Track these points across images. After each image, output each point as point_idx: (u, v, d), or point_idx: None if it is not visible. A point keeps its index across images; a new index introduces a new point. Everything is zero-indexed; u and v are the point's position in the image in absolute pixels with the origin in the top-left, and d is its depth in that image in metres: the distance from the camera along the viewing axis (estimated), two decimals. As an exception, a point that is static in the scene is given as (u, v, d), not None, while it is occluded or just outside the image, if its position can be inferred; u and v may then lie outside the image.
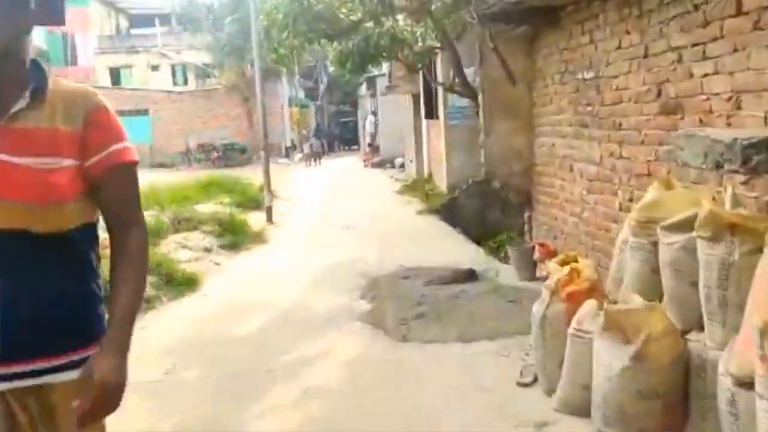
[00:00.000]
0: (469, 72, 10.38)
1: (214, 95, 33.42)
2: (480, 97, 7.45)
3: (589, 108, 5.52)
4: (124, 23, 51.05)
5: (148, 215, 11.73)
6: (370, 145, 27.81)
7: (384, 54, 11.34)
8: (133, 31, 48.74)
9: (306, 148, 29.82)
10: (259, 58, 13.26)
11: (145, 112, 33.49)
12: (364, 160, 27.69)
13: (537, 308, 3.92)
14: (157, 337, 5.67)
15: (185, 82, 41.84)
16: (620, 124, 4.94)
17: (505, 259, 8.64)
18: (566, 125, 6.18)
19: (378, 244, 9.90)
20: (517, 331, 5.09)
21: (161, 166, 31.61)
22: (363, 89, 32.50)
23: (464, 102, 13.86)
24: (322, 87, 41.72)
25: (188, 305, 6.88)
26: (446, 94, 13.71)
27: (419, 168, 19.36)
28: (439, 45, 11.26)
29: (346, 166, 29.24)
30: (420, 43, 11.68)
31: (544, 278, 6.95)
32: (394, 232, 11.00)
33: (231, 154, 30.82)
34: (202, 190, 15.48)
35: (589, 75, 5.49)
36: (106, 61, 44.16)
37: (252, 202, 14.34)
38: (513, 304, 5.94)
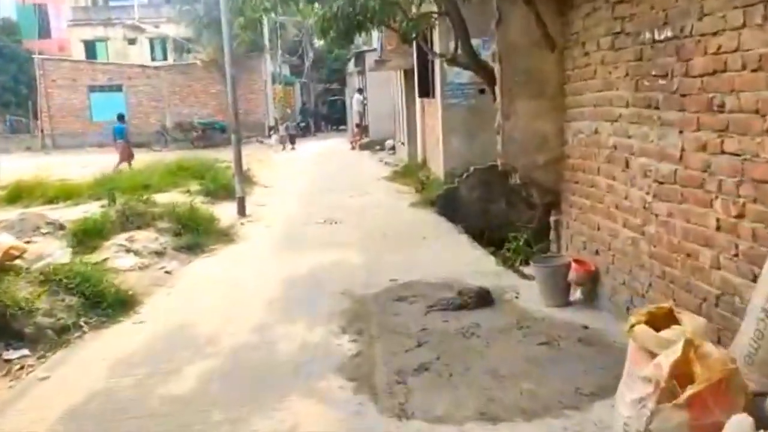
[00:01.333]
0: (474, 43, 8.75)
1: (193, 70, 31.45)
2: (497, 68, 5.82)
3: (663, 81, 3.91)
4: (101, -6, 48.63)
5: (93, 209, 10.26)
6: (358, 125, 26.04)
7: (373, 20, 9.61)
8: (111, 3, 46.36)
9: (281, 130, 27.41)
10: (228, 26, 11.44)
11: (119, 87, 31.46)
12: (352, 142, 25.97)
13: (629, 414, 2.34)
14: (53, 397, 4.06)
15: (164, 56, 39.70)
16: (721, 105, 3.35)
17: (516, 266, 7.12)
18: (620, 105, 4.58)
19: (365, 246, 8.31)
20: (563, 400, 3.54)
21: (137, 146, 29.61)
22: (351, 65, 30.64)
23: (464, 78, 12.20)
24: (307, 63, 39.74)
25: (113, 339, 5.25)
26: (444, 70, 12.05)
27: (412, 152, 17.71)
28: (437, 10, 9.56)
29: (333, 147, 27.48)
30: (415, 8, 9.99)
31: (580, 303, 5.29)
32: (384, 230, 9.39)
33: (211, 134, 28.94)
34: (168, 175, 13.79)
35: (664, 34, 3.88)
36: (80, 34, 41.82)
37: (224, 190, 12.65)
38: (547, 348, 4.38)
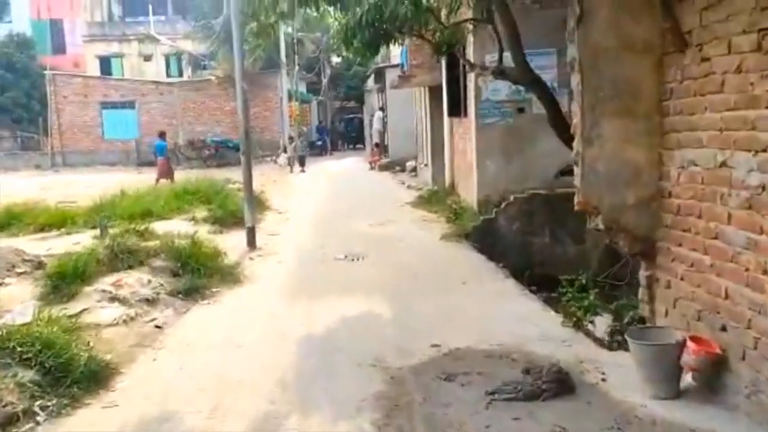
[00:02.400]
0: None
1: (207, 87, 30.50)
2: (575, 79, 4.52)
3: None
4: (117, 10, 48.17)
5: (85, 240, 9.05)
6: (377, 145, 24.84)
7: (403, 29, 8.39)
8: (127, 19, 45.84)
9: (289, 150, 24.89)
10: (240, 36, 10.26)
11: (132, 104, 30.57)
12: (371, 162, 24.75)
13: None
14: None
15: (180, 73, 38.90)
16: None
17: (587, 327, 5.77)
18: (765, 129, 3.26)
19: (394, 291, 7.00)
20: None
21: (149, 164, 28.76)
22: (370, 82, 29.52)
23: (501, 95, 10.94)
24: (324, 81, 38.74)
25: (72, 436, 3.97)
26: (478, 87, 10.80)
27: (437, 174, 16.43)
28: (477, 17, 8.32)
29: (350, 167, 26.29)
30: (449, 15, 8.79)
31: (694, 394, 3.87)
32: (414, 268, 8.09)
33: (224, 152, 27.88)
34: (173, 199, 12.58)
35: None
36: (96, 50, 41.25)
37: (233, 217, 11.42)
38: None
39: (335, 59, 43.03)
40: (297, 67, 32.38)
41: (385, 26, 8.38)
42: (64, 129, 30.31)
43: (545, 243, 9.72)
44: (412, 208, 13.56)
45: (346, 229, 11.40)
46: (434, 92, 16.60)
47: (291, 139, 24.76)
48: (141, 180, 20.46)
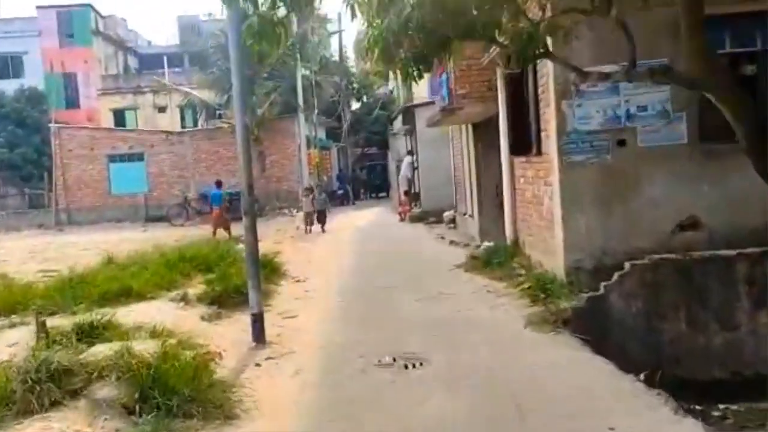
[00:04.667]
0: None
1: (220, 135, 28.24)
2: None
3: None
4: (133, 63, 46.97)
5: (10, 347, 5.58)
6: (407, 193, 22.18)
7: (475, 29, 5.74)
8: (143, 72, 44.49)
9: (306, 205, 20.14)
10: (239, 74, 7.51)
11: (140, 156, 28.39)
12: (400, 213, 22.04)
13: None
14: None
15: (195, 123, 37.06)
16: None
17: None
18: None
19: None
20: None
21: (158, 219, 26.42)
22: (397, 125, 27.05)
23: (594, 125, 8.18)
24: (345, 125, 36.48)
25: None
26: (562, 114, 8.09)
27: (487, 227, 13.66)
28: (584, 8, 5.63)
29: (378, 219, 23.64)
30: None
31: None
32: (513, 392, 5.22)
33: (238, 205, 25.21)
34: (163, 269, 9.87)
35: None
36: (110, 103, 39.79)
37: (238, 294, 8.60)
38: None
39: (355, 104, 41.00)
40: (316, 111, 30.14)
41: (442, 30, 5.77)
42: (69, 184, 28.20)
43: (680, 330, 6.78)
44: (466, 273, 10.70)
45: (386, 307, 8.59)
46: (481, 128, 13.96)
47: (306, 191, 22.05)
48: (144, 239, 18.02)
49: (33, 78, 37.65)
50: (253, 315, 7.10)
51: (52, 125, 29.34)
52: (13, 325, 7.27)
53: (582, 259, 7.95)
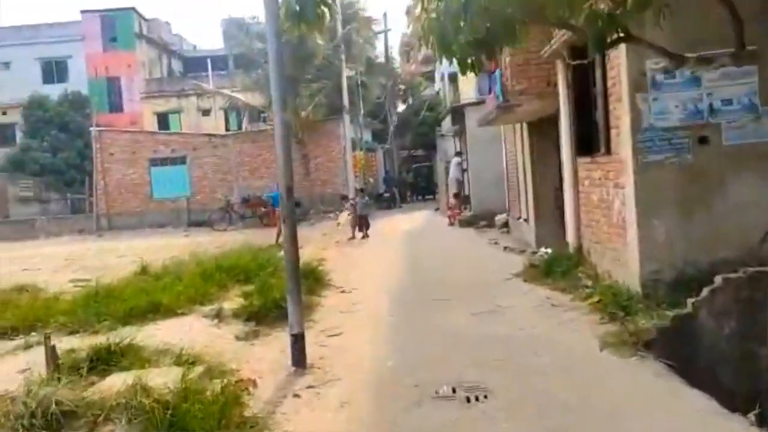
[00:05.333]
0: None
1: (264, 138, 27.72)
2: None
3: None
4: (177, 66, 47.17)
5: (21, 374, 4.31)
6: (456, 196, 21.18)
7: (545, 11, 4.82)
8: (188, 75, 44.59)
9: (348, 206, 19.73)
10: (278, 72, 6.66)
11: (183, 160, 28.11)
12: (449, 217, 21.05)
13: None
14: None
15: (239, 126, 36.83)
16: None
17: None
18: None
19: None
20: None
21: (200, 224, 26.05)
22: (445, 125, 26.09)
23: (673, 120, 7.12)
24: (391, 127, 35.65)
25: None
26: (636, 108, 7.05)
27: (544, 233, 12.63)
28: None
29: (425, 224, 22.70)
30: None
31: None
32: (592, 429, 4.27)
33: (284, 209, 24.71)
34: (198, 281, 9.16)
35: None
36: (153, 107, 39.94)
37: (278, 308, 7.80)
38: None
39: (401, 106, 40.16)
40: (361, 113, 29.41)
41: (508, 12, 4.86)
42: (110, 189, 28.10)
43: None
44: (525, 283, 9.69)
45: (440, 323, 7.66)
46: (537, 127, 12.93)
47: (344, 198, 21.05)
48: (184, 245, 17.50)
49: (77, 82, 38.02)
50: (293, 336, 6.27)
51: (92, 129, 29.33)
52: (29, 346, 6.61)
53: (660, 270, 6.93)
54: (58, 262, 15.92)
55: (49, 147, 33.83)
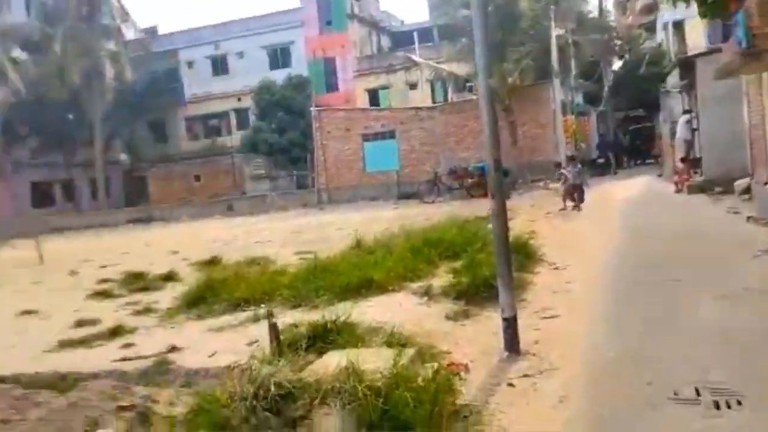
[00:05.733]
0: None
1: (470, 108, 27.42)
2: None
3: None
4: (386, 42, 48.58)
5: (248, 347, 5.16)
6: (683, 159, 18.99)
7: None
8: (397, 51, 45.75)
9: (560, 177, 18.36)
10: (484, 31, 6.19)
11: (392, 134, 28.92)
12: (676, 182, 18.98)
13: None
14: None
15: (445, 97, 36.97)
16: None
17: None
18: None
19: None
20: None
21: (409, 196, 26.69)
22: (671, 80, 23.50)
23: None
24: (606, 88, 33.14)
25: None
26: None
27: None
28: None
29: (646, 191, 20.77)
30: None
31: None
32: None
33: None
34: (407, 255, 9.19)
35: None
36: (365, 84, 41.66)
37: (487, 287, 7.45)
38: None
39: (617, 64, 37.16)
40: (573, 74, 27.68)
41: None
42: (329, 165, 29.91)
43: None
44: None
45: (673, 308, 6.76)
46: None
47: (558, 165, 19.87)
48: (394, 218, 18.00)
49: (298, 66, 40.88)
50: (504, 320, 5.91)
51: (312, 109, 31.34)
52: (257, 319, 7.09)
53: None
54: (285, 235, 17.27)
55: (276, 128, 36.93)
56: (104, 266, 14.13)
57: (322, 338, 5.54)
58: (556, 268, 9.61)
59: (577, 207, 16.91)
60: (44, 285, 12.31)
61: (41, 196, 36.66)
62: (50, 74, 33.31)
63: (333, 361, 4.76)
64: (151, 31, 45.91)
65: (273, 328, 5.37)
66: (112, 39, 37.08)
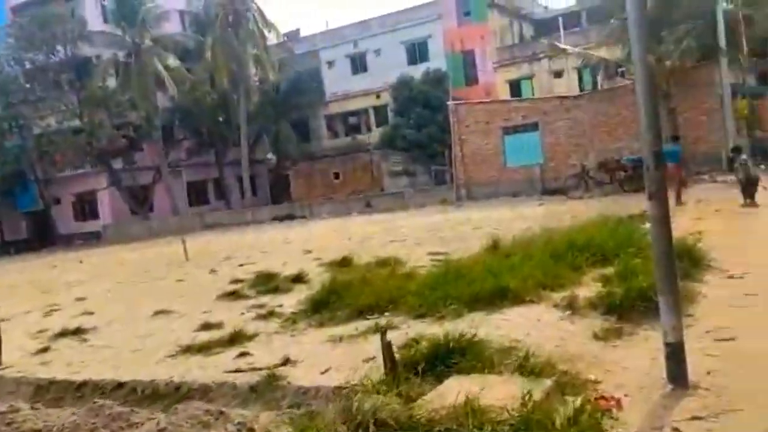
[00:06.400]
0: None
1: (622, 95, 25.25)
2: None
3: None
4: (528, 30, 46.60)
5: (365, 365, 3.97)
6: None
7: None
8: (542, 39, 43.74)
9: (738, 170, 15.80)
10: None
11: (534, 126, 27.39)
12: None
13: None
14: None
15: (594, 85, 34.66)
16: None
17: None
18: None
19: None
20: None
21: (554, 192, 25.12)
22: None
23: None
24: (784, 66, 29.24)
25: None
26: None
27: None
28: None
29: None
30: None
31: None
32: None
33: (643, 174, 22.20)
34: (549, 260, 8.15)
35: None
36: (506, 75, 40.26)
37: (645, 300, 6.32)
38: None
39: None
40: (744, 52, 24.57)
41: None
42: (467, 160, 28.98)
43: None
44: None
45: None
46: None
47: (735, 151, 17.49)
48: (538, 216, 16.83)
49: (436, 60, 40.28)
50: (666, 345, 4.81)
51: (449, 103, 30.58)
52: (379, 330, 6.48)
53: None
54: (420, 234, 16.70)
55: (414, 124, 36.64)
56: (242, 264, 14.38)
57: (443, 359, 4.82)
58: (731, 277, 8.09)
59: (751, 203, 14.69)
60: (184, 283, 12.66)
61: (196, 194, 39.17)
62: (202, 80, 35.39)
63: (452, 390, 4.03)
64: (294, 34, 47.55)
65: (387, 348, 4.71)
66: (257, 44, 38.69)
